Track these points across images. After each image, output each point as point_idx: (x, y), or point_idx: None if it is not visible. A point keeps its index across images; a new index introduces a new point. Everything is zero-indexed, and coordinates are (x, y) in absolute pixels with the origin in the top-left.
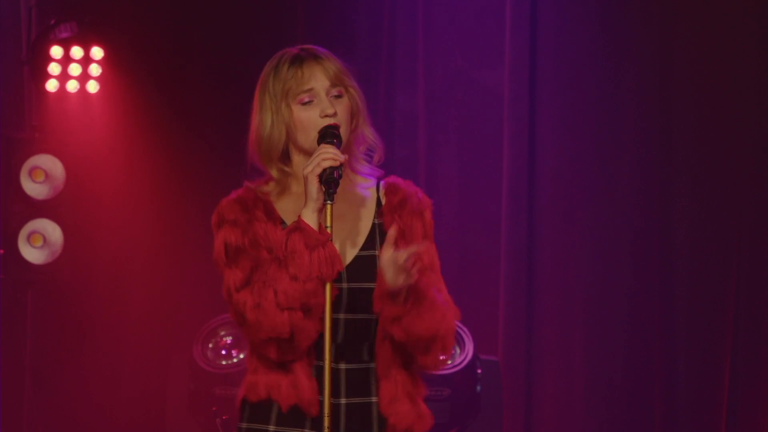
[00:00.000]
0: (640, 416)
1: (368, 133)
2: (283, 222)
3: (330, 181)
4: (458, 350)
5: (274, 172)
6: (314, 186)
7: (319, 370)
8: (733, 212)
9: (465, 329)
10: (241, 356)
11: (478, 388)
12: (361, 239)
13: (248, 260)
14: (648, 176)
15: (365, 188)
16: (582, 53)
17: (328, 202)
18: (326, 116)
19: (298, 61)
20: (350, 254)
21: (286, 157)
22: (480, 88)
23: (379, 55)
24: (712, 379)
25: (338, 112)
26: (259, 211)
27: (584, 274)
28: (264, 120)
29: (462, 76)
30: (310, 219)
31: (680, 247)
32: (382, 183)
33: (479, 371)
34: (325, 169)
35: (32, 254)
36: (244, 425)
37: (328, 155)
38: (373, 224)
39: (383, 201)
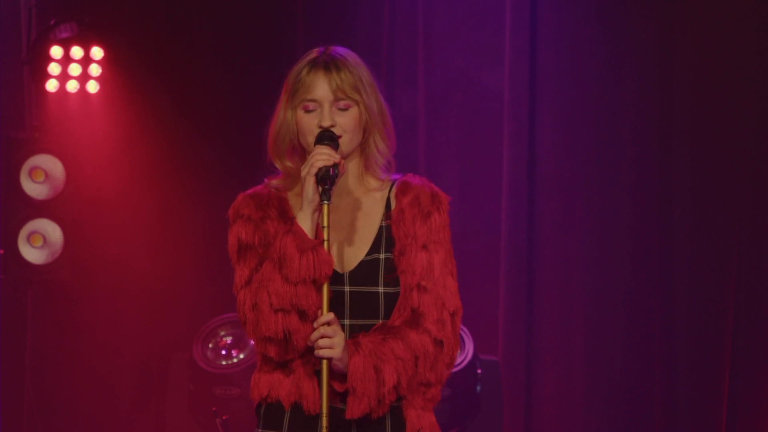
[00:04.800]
0: (640, 416)
1: (381, 146)
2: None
3: (326, 178)
4: (458, 350)
5: (278, 165)
6: (311, 186)
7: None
8: (733, 212)
9: (465, 329)
10: (241, 356)
11: (478, 388)
12: (368, 243)
13: (255, 258)
14: (648, 176)
15: (379, 191)
16: (582, 53)
17: (325, 201)
18: (322, 127)
19: (309, 66)
20: (356, 259)
21: (298, 155)
22: (480, 88)
23: (379, 55)
24: (712, 379)
25: (340, 124)
26: (273, 210)
27: (584, 274)
28: (279, 114)
29: (462, 76)
30: (305, 221)
31: (680, 247)
32: (396, 183)
33: (479, 371)
34: (320, 168)
35: (32, 254)
36: (258, 431)
37: (322, 155)
38: (380, 227)
39: (393, 203)
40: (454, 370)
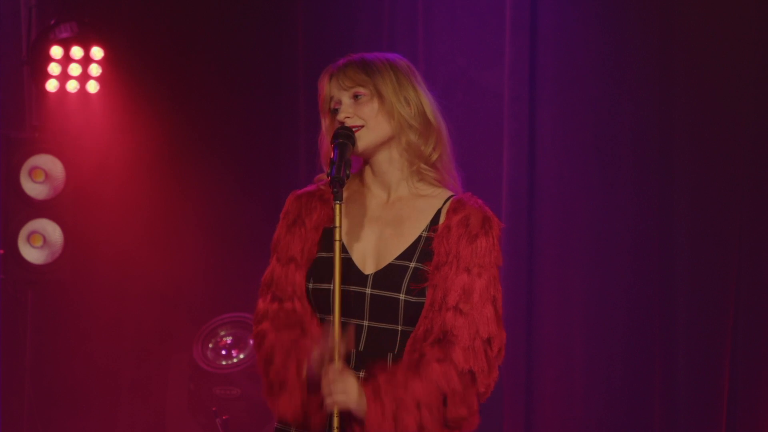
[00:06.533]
0: (640, 416)
1: (416, 141)
2: (326, 227)
3: (335, 181)
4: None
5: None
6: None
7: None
8: (733, 212)
9: None
10: (241, 356)
11: None
12: (402, 248)
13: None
14: (648, 176)
15: (431, 200)
16: (582, 53)
17: (337, 202)
18: (339, 122)
19: (322, 76)
20: (385, 260)
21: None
22: (480, 88)
23: None
24: (712, 379)
25: (357, 113)
26: (309, 213)
27: (584, 274)
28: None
29: (462, 76)
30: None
31: (680, 247)
32: (451, 199)
33: None
34: (332, 168)
35: (32, 254)
36: (276, 424)
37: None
38: (420, 237)
39: (442, 218)
40: None
